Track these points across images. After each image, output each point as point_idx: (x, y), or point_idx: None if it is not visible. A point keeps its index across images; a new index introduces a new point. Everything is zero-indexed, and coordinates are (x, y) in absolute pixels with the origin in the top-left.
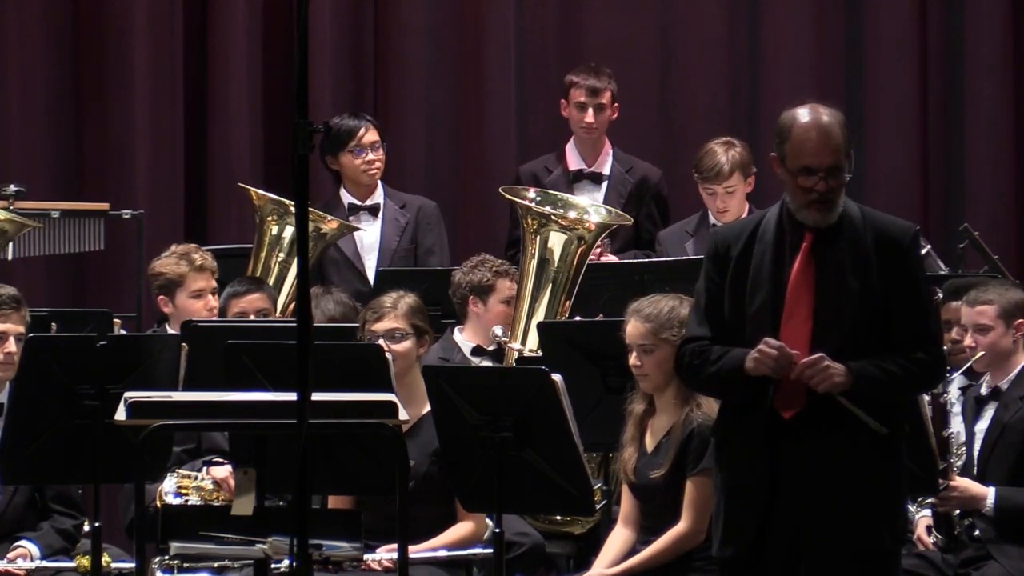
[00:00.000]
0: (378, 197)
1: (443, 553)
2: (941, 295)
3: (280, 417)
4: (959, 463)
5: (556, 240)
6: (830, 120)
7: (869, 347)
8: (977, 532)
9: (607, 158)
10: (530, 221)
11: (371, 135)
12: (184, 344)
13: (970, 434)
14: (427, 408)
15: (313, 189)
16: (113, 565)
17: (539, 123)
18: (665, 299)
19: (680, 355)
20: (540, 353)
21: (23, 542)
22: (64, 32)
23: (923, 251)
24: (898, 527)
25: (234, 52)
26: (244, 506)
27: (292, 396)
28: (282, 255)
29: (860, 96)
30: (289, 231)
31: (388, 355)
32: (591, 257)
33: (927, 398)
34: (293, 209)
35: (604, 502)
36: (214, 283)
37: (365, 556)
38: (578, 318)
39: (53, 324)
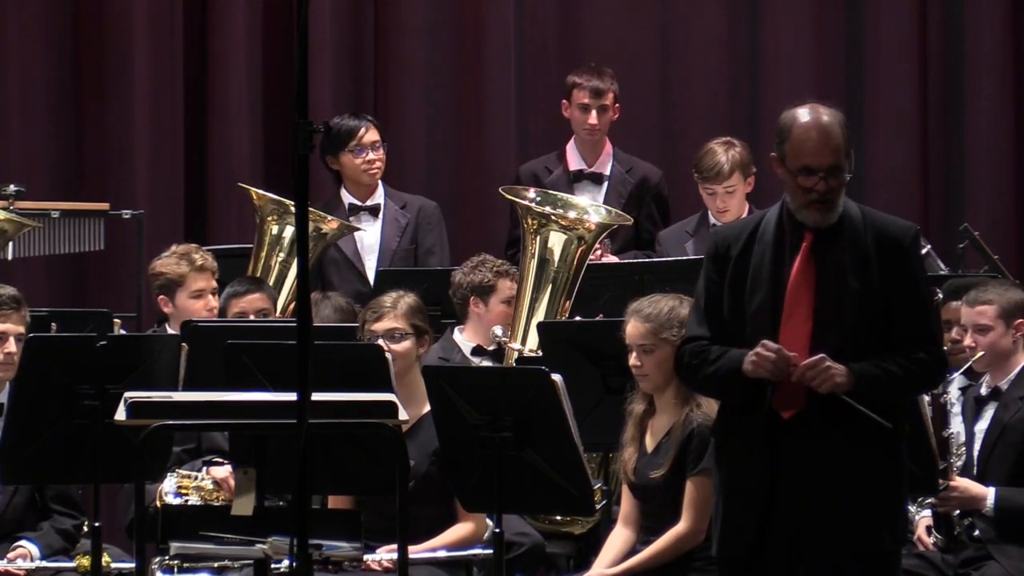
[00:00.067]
0: (379, 197)
1: (443, 553)
2: (941, 295)
3: (280, 417)
4: (959, 463)
5: (556, 240)
6: (830, 120)
7: (869, 347)
8: (977, 532)
9: (607, 158)
10: (530, 221)
11: (372, 135)
12: (184, 344)
13: (970, 434)
14: (427, 408)
15: (313, 189)
16: (113, 565)
17: (539, 123)
18: (665, 299)
19: (679, 355)
20: (540, 353)
21: (23, 542)
22: (64, 32)
23: (923, 251)
24: (898, 527)
25: (234, 52)
26: (244, 506)
27: (292, 396)
28: (282, 255)
29: (860, 96)
30: (289, 231)
31: (388, 355)
32: (591, 257)
33: (927, 398)
34: (293, 209)
35: (604, 502)
36: (214, 283)
37: (365, 556)
38: (578, 318)
39: (53, 324)
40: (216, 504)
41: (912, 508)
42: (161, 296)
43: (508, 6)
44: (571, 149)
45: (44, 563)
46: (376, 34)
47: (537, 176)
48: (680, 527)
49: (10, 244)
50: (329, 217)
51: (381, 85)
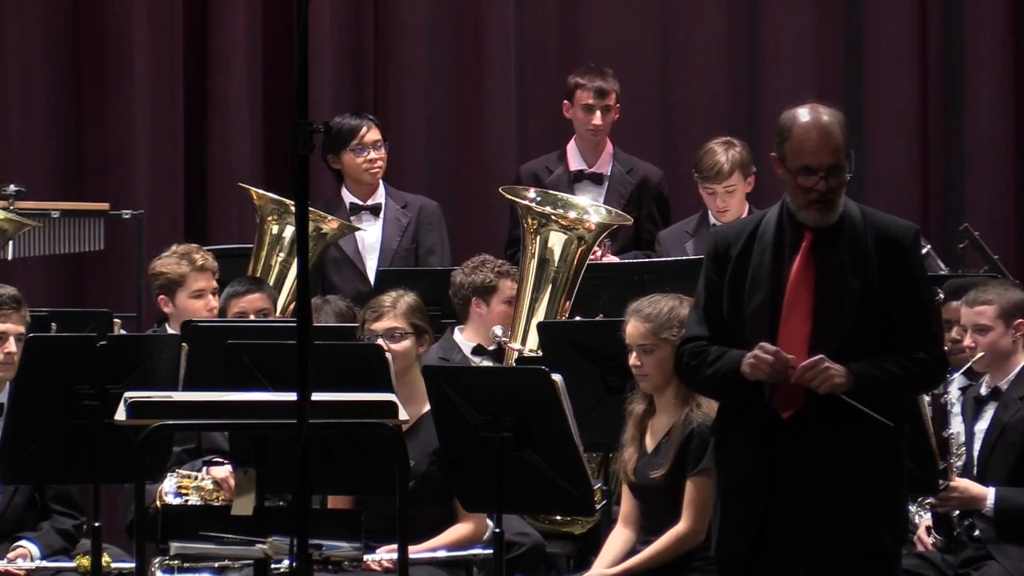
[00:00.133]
0: (380, 197)
1: (443, 553)
2: (943, 295)
3: (280, 417)
4: (959, 463)
5: (556, 240)
6: (830, 120)
7: (869, 347)
8: (977, 532)
9: (608, 158)
10: (530, 221)
11: (373, 134)
12: (184, 344)
13: (969, 434)
14: (427, 407)
15: (313, 189)
16: (113, 565)
17: (539, 123)
18: (665, 299)
19: (679, 355)
20: (540, 353)
21: (23, 542)
22: (64, 32)
23: (923, 251)
24: (898, 527)
25: (234, 52)
26: (244, 506)
27: (292, 396)
28: (282, 255)
29: (860, 96)
30: (289, 231)
31: (388, 355)
32: (591, 257)
33: (927, 398)
34: (293, 209)
35: (604, 502)
36: (215, 283)
37: (365, 556)
38: (578, 318)
39: (53, 324)
40: (216, 504)
41: (912, 508)
42: (161, 296)
43: (508, 6)
44: (571, 149)
45: (44, 563)
46: (376, 34)
47: (537, 176)
48: (680, 527)
49: (10, 244)
50: (329, 217)
51: (381, 85)
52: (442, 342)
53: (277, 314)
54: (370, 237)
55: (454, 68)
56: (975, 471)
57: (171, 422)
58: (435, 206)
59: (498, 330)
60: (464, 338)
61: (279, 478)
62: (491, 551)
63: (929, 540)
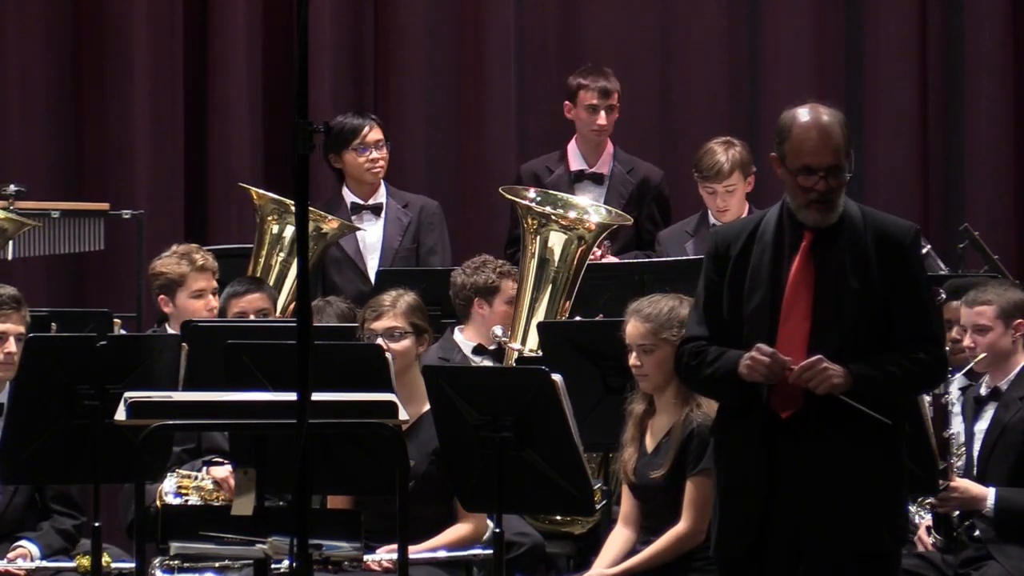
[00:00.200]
0: (381, 196)
1: (443, 553)
2: (944, 295)
3: (280, 417)
4: (959, 463)
5: (556, 240)
6: (830, 120)
7: (869, 347)
8: (977, 532)
9: (609, 158)
10: (530, 221)
11: (375, 134)
12: (184, 344)
13: (969, 434)
14: (426, 407)
15: (313, 189)
16: (113, 565)
17: (539, 123)
18: (665, 299)
19: (678, 355)
20: (540, 353)
21: (23, 542)
22: (64, 32)
23: (923, 251)
24: (898, 527)
25: (234, 52)
26: (244, 506)
27: (292, 396)
28: (282, 255)
29: (860, 96)
30: (290, 230)
31: (388, 355)
32: (591, 258)
33: (928, 398)
34: (293, 209)
35: (604, 502)
36: (215, 283)
37: (365, 556)
38: (578, 318)
39: (53, 324)
40: (216, 504)
41: (912, 508)
42: (161, 296)
43: (508, 6)
44: (572, 149)
45: (44, 563)
46: (376, 34)
47: (538, 176)
48: (680, 527)
49: (10, 244)
50: (329, 217)
51: (381, 85)
52: (442, 342)
53: (277, 314)
54: (371, 237)
55: (454, 68)
56: (975, 471)
57: (171, 422)
58: (436, 206)
59: (498, 330)
60: (464, 338)
61: (279, 478)
62: (491, 551)
63: (929, 540)
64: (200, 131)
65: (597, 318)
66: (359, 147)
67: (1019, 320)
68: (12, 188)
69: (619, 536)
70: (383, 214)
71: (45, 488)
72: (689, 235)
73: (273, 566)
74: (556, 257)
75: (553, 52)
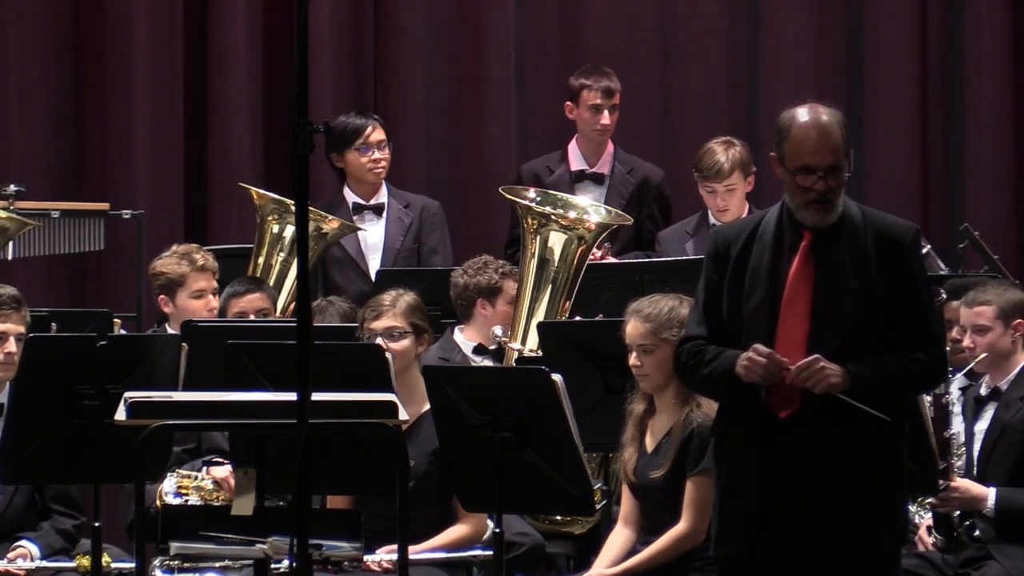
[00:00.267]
0: (382, 196)
1: (442, 554)
2: (944, 296)
3: (280, 417)
4: (959, 463)
5: (556, 240)
6: (829, 119)
7: (869, 347)
8: (977, 532)
9: (609, 158)
10: (530, 221)
11: (378, 134)
12: (184, 344)
13: (969, 434)
14: (426, 407)
15: (313, 189)
16: (113, 565)
17: (539, 123)
18: (665, 299)
19: (677, 354)
20: (540, 353)
21: (23, 542)
22: (64, 32)
23: (923, 251)
24: (898, 527)
25: (234, 52)
26: (244, 506)
27: (292, 396)
28: (283, 254)
29: (860, 96)
30: (290, 230)
31: (388, 355)
32: (591, 258)
33: (928, 398)
34: (294, 208)
35: (604, 502)
36: (215, 283)
37: (365, 556)
38: (578, 318)
39: (53, 324)
40: (216, 504)
41: (912, 508)
42: (161, 296)
43: (508, 6)
44: (573, 149)
45: (44, 563)
46: (376, 34)
47: (538, 176)
48: (680, 527)
49: (10, 244)
50: (330, 216)
51: (381, 85)
52: (442, 342)
53: (277, 314)
54: (373, 237)
55: (454, 68)
56: (975, 471)
57: (171, 422)
58: (437, 206)
59: (498, 330)
60: (465, 338)
61: (279, 478)
62: (491, 551)
63: (929, 540)
64: (200, 131)
65: (597, 318)
66: (362, 147)
67: (1018, 320)
68: (12, 188)
69: (619, 536)
70: (385, 214)
71: (45, 488)
72: (689, 235)
73: (273, 566)
74: (556, 257)
75: (553, 52)
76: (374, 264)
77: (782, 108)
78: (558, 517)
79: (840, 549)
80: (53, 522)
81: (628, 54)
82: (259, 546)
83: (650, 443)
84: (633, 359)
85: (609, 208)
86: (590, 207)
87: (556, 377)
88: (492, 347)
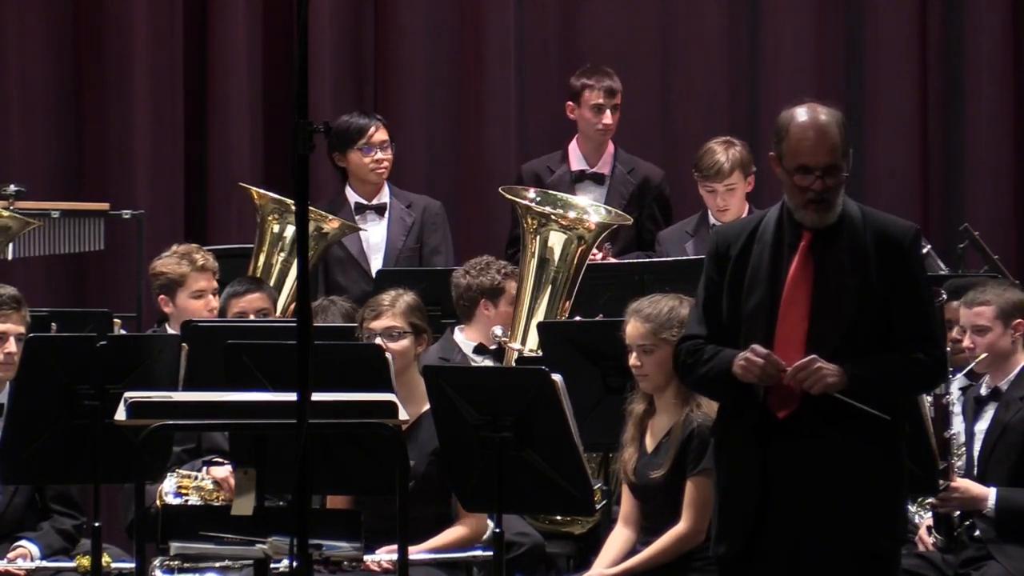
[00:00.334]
0: (385, 196)
1: (443, 554)
2: (945, 296)
3: (280, 417)
4: (959, 463)
5: (556, 240)
6: (827, 119)
7: (868, 348)
8: (977, 532)
9: (610, 159)
10: (530, 221)
11: (381, 134)
12: (184, 344)
13: (969, 434)
14: (425, 407)
15: (314, 189)
16: (113, 565)
17: (539, 123)
18: (665, 299)
19: (676, 353)
20: (540, 353)
21: (23, 542)
22: (64, 32)
23: (923, 251)
24: (897, 527)
25: (234, 52)
26: (244, 506)
27: (292, 396)
28: (283, 254)
29: (860, 96)
30: (290, 230)
31: (388, 355)
32: (591, 258)
33: (928, 398)
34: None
35: (604, 502)
36: (215, 283)
37: (365, 556)
38: (578, 318)
39: (53, 324)
40: (216, 504)
41: (912, 508)
42: (161, 296)
43: (508, 6)
44: (573, 149)
45: (44, 563)
46: (376, 34)
47: (539, 175)
48: (680, 527)
49: (10, 244)
50: (330, 216)
51: (381, 85)
52: (442, 342)
53: (277, 314)
54: (375, 237)
55: (454, 68)
56: (975, 471)
57: (171, 422)
58: (439, 206)
59: (498, 330)
60: (465, 337)
61: (279, 478)
62: (491, 551)
63: (929, 540)
64: (200, 131)
65: (597, 318)
66: (364, 147)
67: (1018, 320)
68: (12, 188)
69: (619, 536)
70: (387, 214)
71: (45, 488)
72: (689, 235)
73: (273, 566)
74: (556, 257)
75: (553, 52)
76: (376, 264)
77: (782, 108)
78: (558, 517)
79: (839, 549)
80: (53, 522)
81: (628, 54)
82: (259, 546)
83: (650, 443)
84: (633, 359)
85: (609, 208)
86: (590, 207)
87: (556, 377)
88: (492, 347)
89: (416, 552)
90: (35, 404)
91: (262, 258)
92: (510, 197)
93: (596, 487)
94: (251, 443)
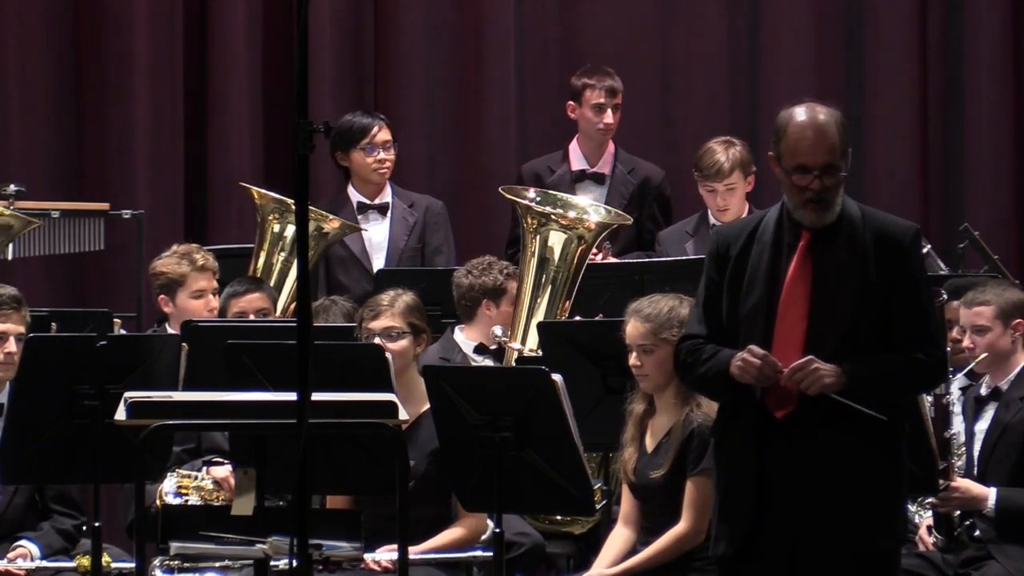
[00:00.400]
0: (387, 196)
1: (442, 554)
2: (945, 296)
3: (280, 417)
4: (960, 463)
5: (556, 239)
6: (826, 119)
7: (868, 347)
8: (977, 532)
9: (610, 158)
10: (530, 220)
11: (384, 134)
12: (184, 344)
13: (970, 434)
14: (425, 407)
15: (314, 189)
16: (113, 565)
17: (539, 123)
18: (665, 299)
19: (676, 352)
20: (540, 353)
21: (23, 542)
22: (64, 32)
23: (923, 251)
24: (897, 526)
25: (234, 52)
26: (244, 506)
27: (292, 396)
28: (283, 254)
29: (860, 96)
30: (290, 230)
31: (387, 355)
32: (591, 258)
33: (928, 398)
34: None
35: (604, 502)
36: (215, 283)
37: (365, 556)
38: (578, 318)
39: (53, 324)
40: (216, 504)
41: (912, 508)
42: (161, 296)
43: (508, 6)
44: (574, 149)
45: (44, 563)
46: (376, 34)
47: (539, 175)
48: (680, 527)
49: (10, 244)
50: (331, 216)
51: (381, 85)
52: (442, 342)
53: (278, 314)
54: (377, 236)
55: (454, 68)
56: (976, 471)
57: (171, 422)
58: (441, 206)
59: (498, 330)
60: (465, 337)
61: (279, 478)
62: (491, 551)
63: (930, 540)
64: (200, 131)
65: (597, 318)
66: (367, 147)
67: (1018, 320)
68: (12, 188)
69: (619, 536)
70: (389, 214)
71: (45, 488)
72: (689, 235)
73: (273, 565)
74: (556, 257)
75: (553, 52)
76: (378, 263)
77: (782, 108)
78: (558, 517)
79: (838, 549)
80: (53, 522)
81: (628, 54)
82: (259, 546)
83: (650, 443)
84: (633, 359)
85: (609, 208)
86: (590, 207)
87: (556, 377)
88: (492, 347)
89: (416, 552)
90: (35, 404)
91: (262, 258)
92: (510, 197)
93: (596, 487)
94: (251, 443)
